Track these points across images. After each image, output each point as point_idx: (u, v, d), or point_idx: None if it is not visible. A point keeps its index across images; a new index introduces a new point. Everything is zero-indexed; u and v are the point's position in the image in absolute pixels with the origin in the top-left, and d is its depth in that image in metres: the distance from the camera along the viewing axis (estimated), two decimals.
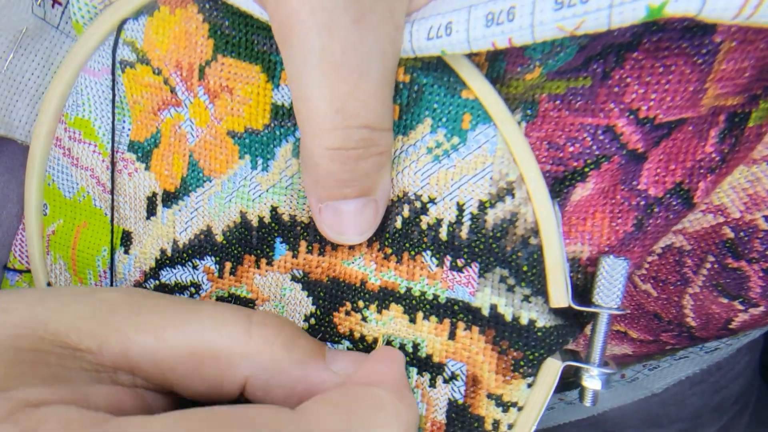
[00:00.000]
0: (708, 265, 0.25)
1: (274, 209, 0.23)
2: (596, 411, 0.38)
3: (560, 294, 0.21)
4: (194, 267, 0.25)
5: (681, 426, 0.36)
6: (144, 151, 0.25)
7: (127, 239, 0.25)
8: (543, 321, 0.21)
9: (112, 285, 0.26)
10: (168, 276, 0.25)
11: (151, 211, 0.25)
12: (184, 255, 0.25)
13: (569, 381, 0.37)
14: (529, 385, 0.22)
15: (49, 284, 0.27)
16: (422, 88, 0.21)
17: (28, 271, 0.28)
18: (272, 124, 0.23)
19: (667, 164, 0.21)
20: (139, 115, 0.24)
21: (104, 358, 0.18)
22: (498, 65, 0.21)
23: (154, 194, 0.25)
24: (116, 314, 0.19)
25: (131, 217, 0.25)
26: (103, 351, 0.18)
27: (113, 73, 0.24)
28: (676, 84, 0.19)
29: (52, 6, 0.26)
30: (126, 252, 0.26)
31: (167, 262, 0.25)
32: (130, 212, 0.25)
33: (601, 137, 0.20)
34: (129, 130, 0.25)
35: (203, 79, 0.23)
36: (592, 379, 0.21)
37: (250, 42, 0.22)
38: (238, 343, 0.19)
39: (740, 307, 0.25)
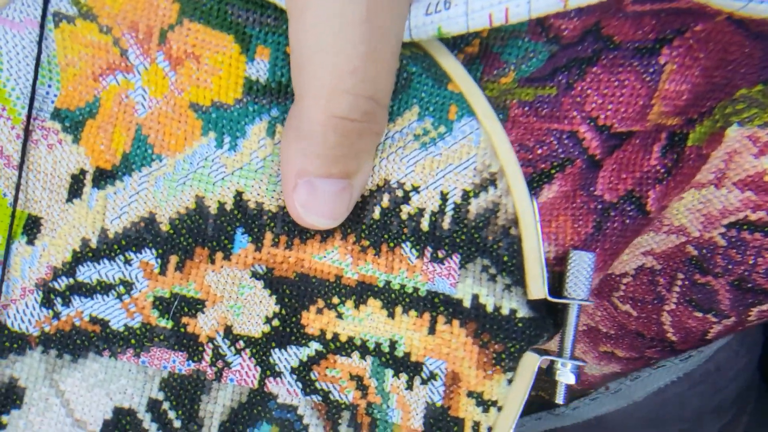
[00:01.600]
0: (679, 283, 0.27)
1: (238, 194, 0.20)
2: (585, 417, 0.36)
3: (538, 286, 0.21)
4: (127, 262, 0.20)
5: (681, 426, 0.35)
6: (73, 121, 0.20)
7: (33, 226, 0.20)
8: (523, 312, 0.21)
9: (1, 284, 0.20)
10: (88, 273, 0.20)
11: (74, 193, 0.20)
12: (115, 247, 0.20)
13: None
14: (509, 381, 0.21)
15: None
16: (411, 77, 0.21)
17: None
18: (245, 99, 0.20)
19: (619, 173, 0.23)
20: (72, 79, 0.20)
21: None
22: (475, 68, 0.22)
23: (83, 172, 0.20)
24: None
25: (43, 199, 0.20)
26: None
27: (42, 27, 0.20)
28: (629, 97, 0.22)
29: None
30: (30, 242, 0.20)
31: (89, 255, 0.20)
32: (42, 193, 0.20)
33: (565, 141, 0.22)
34: (56, 95, 0.20)
35: (164, 43, 0.20)
36: (566, 373, 0.21)
37: (222, 11, 0.20)
38: None
39: (714, 320, 0.27)
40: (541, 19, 0.21)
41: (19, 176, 0.20)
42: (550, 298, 0.21)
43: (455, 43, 0.22)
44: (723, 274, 0.25)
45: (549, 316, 0.22)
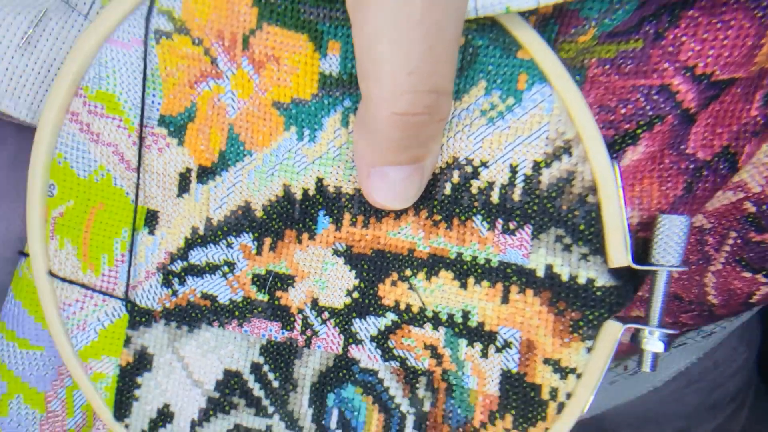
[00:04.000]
0: (730, 242, 0.24)
1: (319, 181, 0.21)
2: (597, 411, 0.36)
3: (620, 253, 0.19)
4: (229, 245, 0.22)
5: (679, 424, 0.34)
6: (176, 126, 0.22)
7: (152, 219, 0.23)
8: (602, 280, 0.19)
9: (130, 268, 0.23)
10: (198, 256, 0.23)
11: (183, 189, 0.23)
12: (219, 233, 0.22)
13: None
14: (588, 350, 0.20)
15: (50, 272, 0.24)
16: (477, 51, 0.20)
17: None
18: (320, 94, 0.21)
19: (714, 128, 0.20)
20: (172, 88, 0.22)
21: None
22: (549, 29, 0.20)
23: (188, 170, 0.22)
24: None
25: (158, 196, 0.23)
26: None
27: (146, 44, 0.22)
28: (734, 39, 0.18)
29: None
30: (151, 233, 0.23)
31: (198, 241, 0.23)
32: (157, 191, 0.23)
33: (655, 97, 0.20)
34: (159, 104, 0.23)
35: (247, 48, 0.21)
36: (653, 341, 0.20)
37: (296, 11, 0.21)
38: None
39: (764, 280, 0.24)
40: None
41: (138, 177, 0.23)
42: (634, 266, 0.19)
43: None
44: None
45: (630, 282, 0.20)
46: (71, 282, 0.24)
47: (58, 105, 0.22)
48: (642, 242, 0.20)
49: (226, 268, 0.22)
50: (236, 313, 0.22)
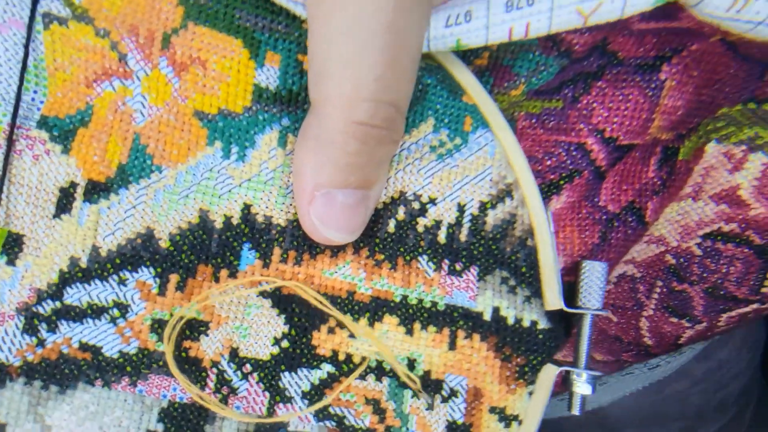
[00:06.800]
0: (657, 290, 0.27)
1: (246, 208, 0.19)
2: (595, 405, 0.35)
3: (554, 296, 0.20)
4: (121, 282, 0.18)
5: (683, 424, 0.35)
6: (63, 130, 0.18)
7: (14, 245, 0.18)
8: (543, 323, 0.20)
9: None
10: (77, 295, 0.18)
11: (63, 208, 0.18)
12: (108, 266, 0.18)
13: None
14: (530, 395, 0.20)
15: None
16: (426, 88, 0.20)
17: None
18: (254, 108, 0.19)
19: (620, 184, 0.23)
20: (61, 84, 0.18)
21: None
22: (485, 80, 0.21)
23: (73, 185, 0.18)
24: None
25: (26, 215, 0.18)
26: None
27: (30, 29, 0.18)
28: (632, 111, 0.22)
29: None
30: (10, 263, 0.17)
31: (79, 275, 0.18)
32: (25, 208, 0.18)
33: (574, 153, 0.22)
34: (42, 102, 0.18)
35: (168, 48, 0.18)
36: (582, 384, 0.21)
37: (229, 14, 0.19)
38: None
39: (687, 325, 0.27)
40: (554, 34, 0.21)
41: (0, 190, 0.17)
42: (566, 309, 0.20)
43: (465, 56, 0.21)
44: (698, 282, 0.26)
45: (561, 323, 0.21)
46: None
47: None
48: (568, 286, 0.21)
49: (116, 312, 0.18)
50: (128, 368, 0.18)
